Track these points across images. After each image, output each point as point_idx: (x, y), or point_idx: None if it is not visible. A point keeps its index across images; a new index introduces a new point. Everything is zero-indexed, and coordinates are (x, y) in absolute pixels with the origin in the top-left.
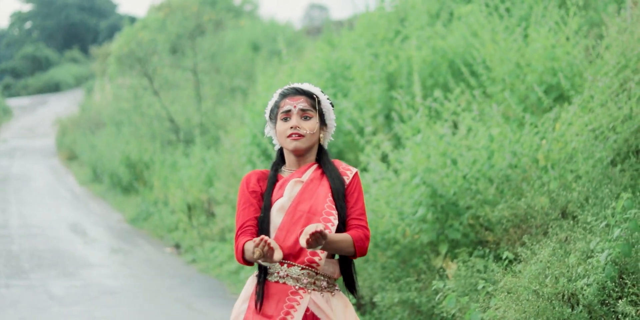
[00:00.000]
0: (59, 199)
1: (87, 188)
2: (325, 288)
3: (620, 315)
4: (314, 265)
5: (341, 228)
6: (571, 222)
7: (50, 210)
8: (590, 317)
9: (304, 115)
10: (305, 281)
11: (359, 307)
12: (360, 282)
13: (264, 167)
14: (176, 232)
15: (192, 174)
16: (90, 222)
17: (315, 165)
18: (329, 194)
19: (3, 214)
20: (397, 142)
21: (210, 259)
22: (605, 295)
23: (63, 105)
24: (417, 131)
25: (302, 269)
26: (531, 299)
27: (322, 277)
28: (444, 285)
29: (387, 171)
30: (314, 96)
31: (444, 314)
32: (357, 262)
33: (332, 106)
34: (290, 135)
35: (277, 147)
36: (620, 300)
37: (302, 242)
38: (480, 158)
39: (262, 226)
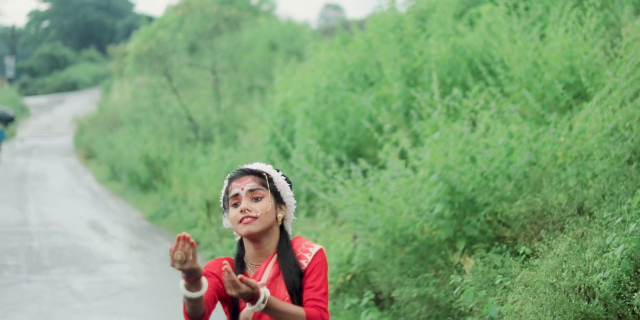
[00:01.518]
0: (77, 197)
1: (105, 186)
2: None
3: (635, 308)
4: None
5: None
6: (588, 217)
7: (68, 208)
8: (606, 310)
9: (253, 196)
10: None
11: (377, 302)
12: (379, 277)
13: (282, 165)
14: (195, 229)
15: (210, 171)
16: (109, 219)
17: (275, 258)
18: (287, 293)
19: (22, 212)
20: (416, 140)
21: (228, 256)
22: (620, 289)
23: (80, 104)
24: (435, 129)
25: None
26: (548, 292)
27: None
28: (462, 280)
29: (405, 168)
30: (264, 174)
31: (462, 309)
32: (376, 258)
33: (289, 183)
34: (241, 220)
35: (237, 238)
36: (635, 294)
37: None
38: (498, 156)
39: None
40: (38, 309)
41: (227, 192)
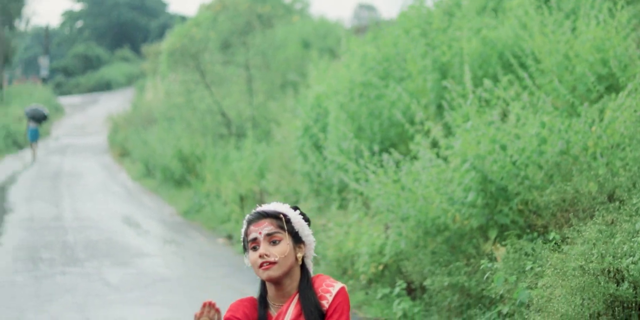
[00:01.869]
0: (112, 193)
1: (139, 183)
2: None
3: None
4: None
5: None
6: (617, 204)
7: (102, 204)
8: (636, 293)
9: (271, 239)
10: None
11: (409, 292)
12: (410, 267)
13: (315, 158)
14: (228, 223)
15: (244, 166)
16: (143, 215)
17: (297, 298)
18: None
19: (56, 208)
20: (448, 132)
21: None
22: None
23: (114, 103)
24: (467, 118)
25: None
26: (577, 275)
27: None
28: (492, 265)
29: (437, 158)
30: (281, 216)
31: (493, 295)
32: (407, 247)
33: (308, 220)
34: (261, 265)
35: (259, 278)
36: None
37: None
38: (529, 145)
39: None
40: (73, 300)
41: (246, 234)
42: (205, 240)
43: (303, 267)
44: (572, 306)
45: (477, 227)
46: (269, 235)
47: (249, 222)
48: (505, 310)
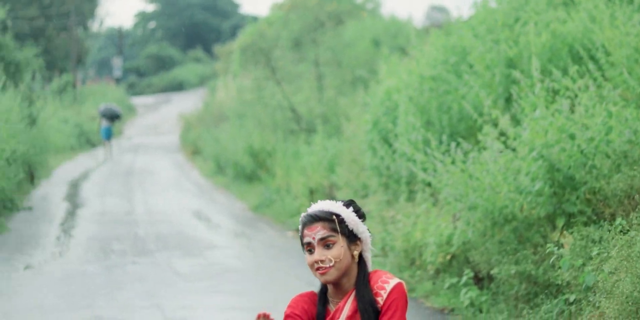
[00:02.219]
0: (183, 190)
1: (211, 180)
2: None
3: None
4: None
5: None
6: None
7: (174, 200)
8: None
9: (325, 243)
10: None
11: (477, 281)
12: (478, 256)
13: (384, 152)
14: (298, 216)
15: (314, 161)
16: (214, 210)
17: (354, 294)
18: None
19: (129, 203)
20: (516, 123)
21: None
22: None
23: (186, 103)
24: (534, 107)
25: None
26: None
27: None
28: (558, 249)
29: (505, 149)
30: (333, 218)
31: (559, 282)
32: (475, 237)
33: (362, 216)
34: (317, 269)
35: None
36: None
37: None
38: (597, 134)
39: None
40: (142, 288)
41: (301, 236)
42: (275, 233)
43: (361, 262)
44: (638, 289)
45: (545, 216)
46: (322, 239)
47: (303, 225)
48: (572, 298)
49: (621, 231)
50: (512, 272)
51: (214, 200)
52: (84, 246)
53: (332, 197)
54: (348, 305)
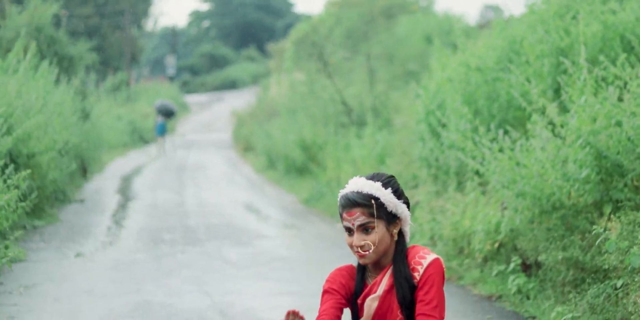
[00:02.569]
0: (234, 184)
1: (262, 175)
2: None
3: None
4: None
5: None
6: None
7: (225, 193)
8: None
9: (364, 228)
10: None
11: (525, 269)
12: (525, 243)
13: (433, 144)
14: None
15: (364, 153)
16: (264, 202)
17: (391, 269)
18: (398, 308)
19: (180, 196)
20: (564, 112)
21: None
22: None
23: (239, 102)
24: (582, 94)
25: None
26: None
27: None
28: (604, 230)
29: (553, 137)
30: (372, 202)
31: (606, 266)
32: (523, 224)
33: (401, 194)
34: (356, 252)
35: None
36: None
37: None
38: None
39: None
40: (191, 274)
41: (341, 218)
42: (324, 225)
43: (400, 236)
44: None
45: (592, 203)
46: (361, 225)
47: (342, 208)
48: (619, 283)
49: None
50: (560, 258)
51: (264, 194)
52: (135, 236)
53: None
54: (385, 280)
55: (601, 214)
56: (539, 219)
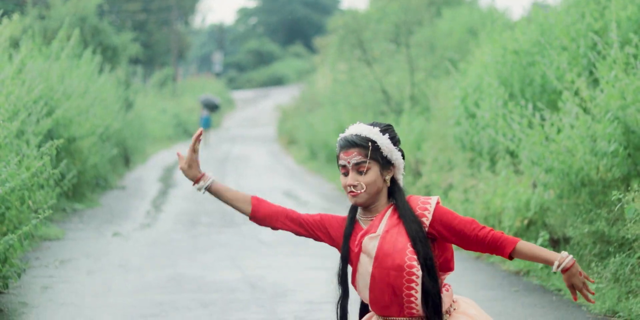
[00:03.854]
0: (275, 173)
1: (303, 165)
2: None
3: None
4: (414, 312)
5: (427, 278)
6: None
7: (265, 181)
8: None
9: (359, 169)
10: None
11: (554, 244)
12: (554, 218)
13: (469, 125)
14: None
15: (401, 138)
16: (304, 190)
17: (391, 209)
18: (408, 244)
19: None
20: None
21: None
22: None
23: (285, 98)
24: (611, 69)
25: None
26: None
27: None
28: (624, 197)
29: (583, 113)
30: (369, 144)
31: (629, 236)
32: (552, 199)
33: (398, 142)
34: (350, 192)
35: None
36: None
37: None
38: None
39: (342, 278)
40: (225, 252)
41: (338, 158)
42: None
43: (394, 184)
44: None
45: (620, 177)
46: (357, 164)
47: (340, 148)
48: None
49: None
50: (585, 231)
51: (304, 182)
52: (173, 219)
53: (417, 172)
54: (385, 221)
55: (628, 188)
56: (568, 194)
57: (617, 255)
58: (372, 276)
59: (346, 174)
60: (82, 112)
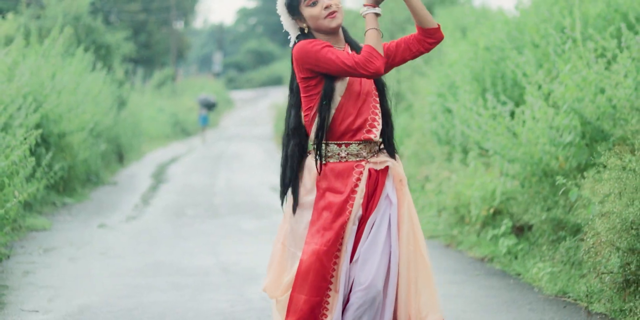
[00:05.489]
0: (266, 170)
1: None
2: (378, 151)
3: None
4: (372, 137)
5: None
6: None
7: (255, 176)
8: None
9: None
10: (364, 153)
11: (517, 232)
12: (516, 207)
13: (444, 119)
14: None
15: None
16: None
17: (349, 47)
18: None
19: (212, 179)
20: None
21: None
22: None
23: (283, 97)
24: (568, 62)
25: (359, 144)
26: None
27: (377, 145)
28: (574, 184)
29: (545, 106)
30: None
31: (579, 221)
32: (514, 188)
33: None
34: (327, 16)
35: (294, 38)
36: None
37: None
38: (627, 89)
39: (321, 108)
40: (206, 239)
41: (298, 6)
42: None
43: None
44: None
45: (577, 167)
46: None
47: None
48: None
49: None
50: (543, 218)
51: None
52: (160, 211)
53: None
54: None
55: (583, 177)
56: (530, 183)
57: (567, 239)
58: (343, 96)
59: (315, 4)
60: (72, 108)
